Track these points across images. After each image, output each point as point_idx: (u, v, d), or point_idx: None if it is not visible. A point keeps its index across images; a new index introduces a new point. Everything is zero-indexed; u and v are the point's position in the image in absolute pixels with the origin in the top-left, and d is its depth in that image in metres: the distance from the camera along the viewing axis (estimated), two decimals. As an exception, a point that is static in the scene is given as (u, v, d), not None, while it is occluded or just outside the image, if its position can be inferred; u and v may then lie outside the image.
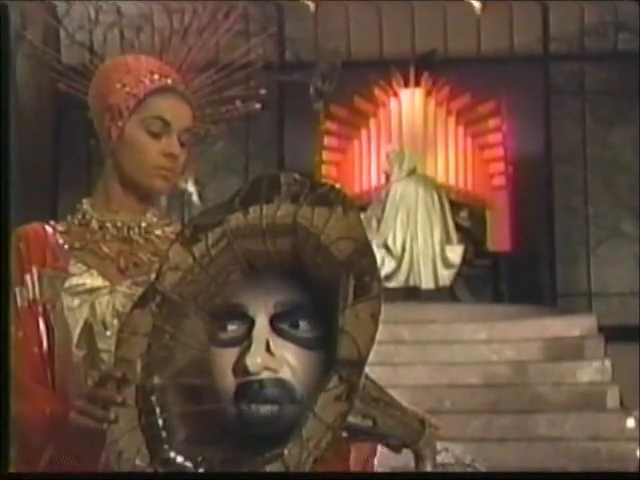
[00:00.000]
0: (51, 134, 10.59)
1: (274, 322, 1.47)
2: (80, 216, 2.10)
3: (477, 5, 10.48)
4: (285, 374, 1.46)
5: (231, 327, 1.50)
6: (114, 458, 1.49)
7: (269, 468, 1.37)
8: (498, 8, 10.56)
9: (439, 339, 8.28)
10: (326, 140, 10.88)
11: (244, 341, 1.48)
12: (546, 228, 10.70)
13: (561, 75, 10.88)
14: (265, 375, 1.45)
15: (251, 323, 1.48)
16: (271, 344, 1.46)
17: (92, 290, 2.03)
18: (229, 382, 1.47)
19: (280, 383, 1.45)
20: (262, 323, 1.47)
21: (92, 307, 2.02)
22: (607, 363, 7.80)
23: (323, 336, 1.47)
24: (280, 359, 1.46)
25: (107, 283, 2.03)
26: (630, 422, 7.03)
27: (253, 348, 1.45)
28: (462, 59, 10.65)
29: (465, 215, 10.39)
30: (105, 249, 2.07)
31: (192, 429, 1.50)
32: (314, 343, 1.47)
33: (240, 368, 1.45)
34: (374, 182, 10.72)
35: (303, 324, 1.48)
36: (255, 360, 1.44)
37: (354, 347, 1.36)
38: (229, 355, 1.48)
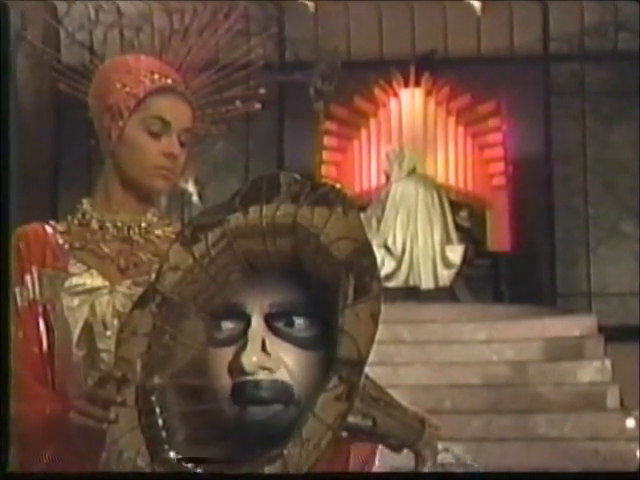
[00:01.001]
0: (51, 134, 10.59)
1: (269, 321, 1.47)
2: (80, 216, 2.10)
3: (477, 5, 10.47)
4: (282, 374, 1.46)
5: (228, 326, 1.50)
6: (114, 458, 1.49)
7: (269, 468, 1.37)
8: (498, 8, 10.56)
9: (439, 339, 8.28)
10: (326, 140, 10.87)
11: (240, 340, 1.48)
12: (546, 228, 10.69)
13: (561, 75, 10.87)
14: (261, 375, 1.45)
15: (247, 322, 1.48)
16: (267, 343, 1.46)
17: (92, 290, 2.03)
18: (225, 382, 1.47)
19: (276, 384, 1.45)
20: (258, 322, 1.47)
21: (92, 307, 2.01)
22: (607, 363, 7.80)
23: (322, 336, 1.47)
24: (276, 359, 1.46)
25: (107, 283, 2.03)
26: (630, 422, 7.03)
27: (249, 347, 1.45)
28: (462, 59, 10.64)
29: (465, 215, 10.39)
30: (105, 249, 2.06)
31: (192, 429, 1.50)
32: (311, 342, 1.47)
33: (236, 367, 1.45)
34: (374, 182, 10.72)
35: (299, 323, 1.48)
36: (251, 359, 1.44)
37: (354, 347, 1.36)
38: (225, 354, 1.48)
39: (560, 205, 10.68)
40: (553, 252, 10.64)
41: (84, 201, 2.12)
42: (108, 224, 2.08)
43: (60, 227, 2.10)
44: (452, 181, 10.73)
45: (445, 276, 10.06)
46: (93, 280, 2.04)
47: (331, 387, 1.35)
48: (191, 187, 9.34)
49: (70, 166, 10.21)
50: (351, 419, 1.40)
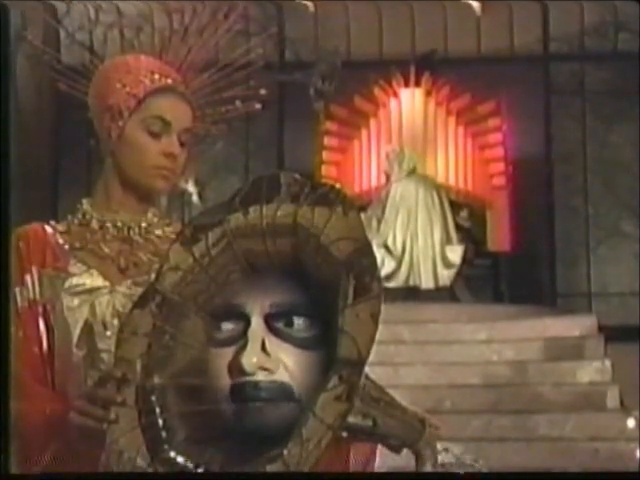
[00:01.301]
0: (51, 134, 10.59)
1: (269, 321, 1.47)
2: (80, 216, 2.10)
3: (477, 5, 10.47)
4: (281, 375, 1.45)
5: (228, 326, 1.50)
6: (114, 458, 1.49)
7: (269, 468, 1.37)
8: (498, 8, 10.56)
9: (439, 339, 8.28)
10: (326, 140, 10.87)
11: (240, 341, 1.47)
12: (546, 228, 10.69)
13: (561, 75, 10.87)
14: (261, 376, 1.45)
15: (247, 322, 1.48)
16: (267, 344, 1.46)
17: (92, 290, 2.03)
18: (225, 382, 1.47)
19: (275, 384, 1.45)
20: (258, 322, 1.47)
21: (92, 307, 2.01)
22: (607, 363, 7.80)
23: (321, 336, 1.47)
24: (276, 359, 1.46)
25: (107, 283, 2.03)
26: (630, 422, 7.03)
27: (249, 347, 1.45)
28: (462, 59, 10.64)
29: (465, 215, 10.39)
30: (105, 249, 2.06)
31: (192, 429, 1.50)
32: (311, 343, 1.47)
33: (236, 368, 1.45)
34: (374, 182, 10.72)
35: (298, 323, 1.48)
36: (250, 360, 1.44)
37: (354, 347, 1.36)
38: (225, 355, 1.48)
39: (560, 205, 10.68)
40: (553, 252, 10.64)
41: (84, 201, 2.12)
42: (108, 224, 2.08)
43: (60, 227, 2.10)
44: (452, 181, 10.73)
45: (445, 276, 10.06)
46: (93, 280, 2.04)
47: (331, 387, 1.35)
48: (191, 187, 9.35)
49: (70, 166, 10.21)
50: (351, 419, 1.40)
